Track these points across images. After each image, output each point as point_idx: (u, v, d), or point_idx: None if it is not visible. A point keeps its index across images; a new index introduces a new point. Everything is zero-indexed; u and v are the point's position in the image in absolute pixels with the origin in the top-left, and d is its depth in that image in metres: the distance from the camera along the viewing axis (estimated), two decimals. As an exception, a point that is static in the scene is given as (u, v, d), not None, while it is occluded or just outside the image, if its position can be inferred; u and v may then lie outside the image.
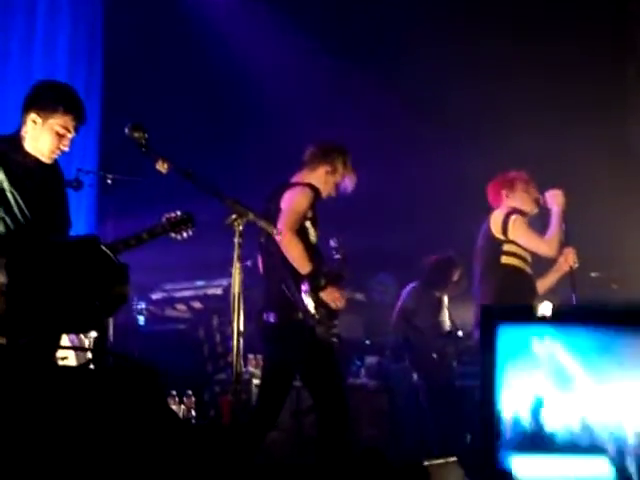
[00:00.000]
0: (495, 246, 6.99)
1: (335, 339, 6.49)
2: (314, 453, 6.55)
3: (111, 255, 4.37)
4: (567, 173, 8.25)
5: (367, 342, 10.08)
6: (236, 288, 5.13)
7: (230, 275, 8.84)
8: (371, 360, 9.67)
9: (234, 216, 5.15)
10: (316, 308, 6.33)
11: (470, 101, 9.87)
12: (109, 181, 8.03)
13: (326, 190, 6.64)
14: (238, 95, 10.56)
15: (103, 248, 4.44)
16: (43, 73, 9.80)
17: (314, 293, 6.33)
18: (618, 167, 9.38)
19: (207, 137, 10.37)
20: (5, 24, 9.67)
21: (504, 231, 6.95)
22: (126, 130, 5.15)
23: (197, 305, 9.40)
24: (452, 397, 8.93)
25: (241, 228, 5.14)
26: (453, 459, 5.47)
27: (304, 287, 6.31)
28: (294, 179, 6.65)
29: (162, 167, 5.14)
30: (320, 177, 6.61)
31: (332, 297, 6.42)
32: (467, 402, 8.93)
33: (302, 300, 6.31)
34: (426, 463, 5.15)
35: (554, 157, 9.12)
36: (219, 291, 9.33)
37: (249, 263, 7.80)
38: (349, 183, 6.70)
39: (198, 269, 9.53)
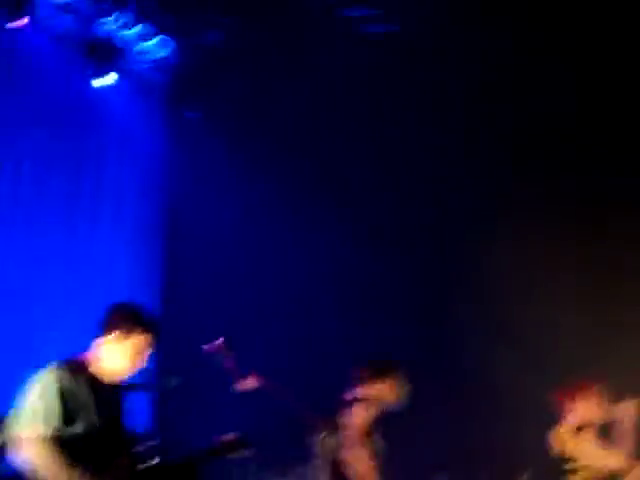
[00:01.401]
0: (561, 464, 6.87)
1: None
2: None
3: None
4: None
5: None
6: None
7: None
8: None
9: (324, 434, 5.22)
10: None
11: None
12: (175, 384, 8.06)
13: (388, 402, 6.87)
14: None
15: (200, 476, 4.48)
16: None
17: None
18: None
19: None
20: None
21: (570, 449, 6.81)
22: (213, 348, 5.26)
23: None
24: None
25: (325, 446, 5.18)
26: None
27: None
28: (353, 395, 6.84)
29: (248, 384, 5.22)
30: (379, 391, 6.85)
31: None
32: None
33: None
34: None
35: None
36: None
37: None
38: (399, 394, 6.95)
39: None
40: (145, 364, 5.45)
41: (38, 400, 5.14)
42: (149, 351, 5.42)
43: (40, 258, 9.82)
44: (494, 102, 10.04)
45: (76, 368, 5.32)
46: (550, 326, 9.51)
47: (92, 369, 5.38)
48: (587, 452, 6.78)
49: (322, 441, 5.22)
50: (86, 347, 5.45)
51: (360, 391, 6.85)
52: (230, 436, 5.65)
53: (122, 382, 5.50)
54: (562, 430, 6.89)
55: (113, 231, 10.51)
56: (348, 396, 6.83)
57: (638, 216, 9.56)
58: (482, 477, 9.58)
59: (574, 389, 7.05)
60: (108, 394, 5.40)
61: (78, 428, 5.15)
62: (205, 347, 5.37)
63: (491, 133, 10.20)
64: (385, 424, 6.81)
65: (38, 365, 5.30)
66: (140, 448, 5.45)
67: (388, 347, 7.74)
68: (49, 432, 5.06)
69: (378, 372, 6.92)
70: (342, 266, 10.56)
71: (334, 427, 6.21)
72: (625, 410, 6.86)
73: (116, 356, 5.36)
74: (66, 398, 5.14)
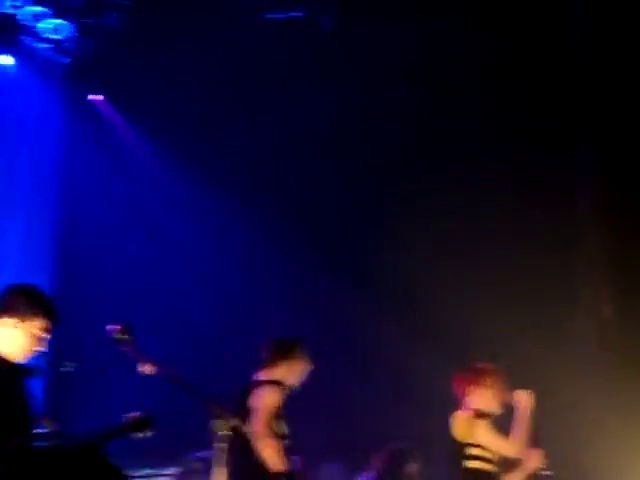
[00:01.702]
0: (459, 449, 6.98)
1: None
2: None
3: (113, 465, 4.34)
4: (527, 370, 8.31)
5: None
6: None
7: (179, 465, 8.89)
8: None
9: (219, 421, 5.18)
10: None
11: (431, 290, 10.06)
12: (70, 369, 7.98)
13: (294, 382, 6.83)
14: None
15: (104, 458, 4.41)
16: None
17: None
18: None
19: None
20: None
21: (468, 435, 6.94)
22: (112, 331, 5.19)
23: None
24: None
25: (224, 433, 5.16)
26: None
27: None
28: (260, 377, 6.78)
29: (147, 369, 5.17)
30: (285, 372, 6.78)
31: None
32: None
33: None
34: None
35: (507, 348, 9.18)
36: (168, 481, 9.16)
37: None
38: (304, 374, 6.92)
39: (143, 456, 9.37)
40: (43, 349, 5.37)
41: None
42: (47, 336, 5.33)
43: None
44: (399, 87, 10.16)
45: None
46: (460, 310, 9.63)
47: None
48: (484, 439, 6.90)
49: (223, 425, 5.18)
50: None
51: (266, 373, 6.79)
52: (134, 415, 5.61)
53: (20, 365, 5.40)
54: (460, 415, 6.99)
55: (6, 216, 10.35)
56: (254, 379, 6.78)
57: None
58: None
59: (473, 374, 7.17)
60: (8, 375, 5.30)
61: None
62: (108, 329, 5.27)
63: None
64: (289, 407, 6.76)
65: None
66: (40, 430, 5.37)
67: (294, 331, 7.65)
68: None
69: (283, 352, 6.84)
70: (249, 249, 10.57)
71: (238, 411, 6.10)
72: (521, 398, 7.00)
73: (12, 339, 5.26)
74: None
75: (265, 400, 6.53)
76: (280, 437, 6.54)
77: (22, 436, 5.22)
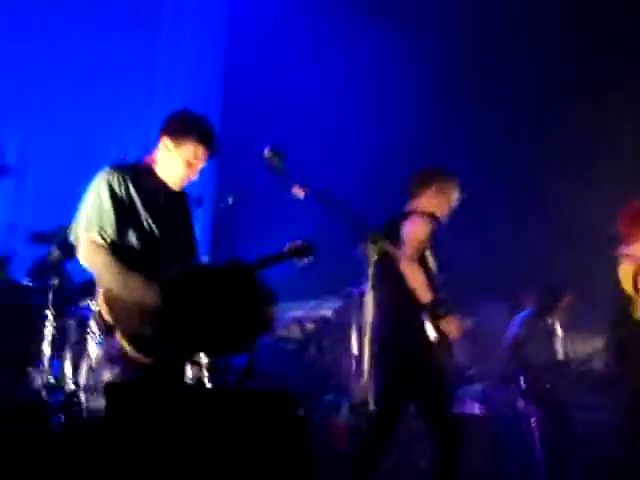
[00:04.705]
0: (626, 300, 6.84)
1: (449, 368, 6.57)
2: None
3: (260, 281, 4.43)
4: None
5: (471, 372, 9.96)
6: (369, 317, 5.14)
7: (341, 297, 9.05)
8: (476, 387, 9.57)
9: (372, 245, 5.20)
10: (435, 336, 6.35)
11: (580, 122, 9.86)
12: (230, 200, 8.13)
13: (441, 212, 6.72)
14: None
15: (253, 274, 4.50)
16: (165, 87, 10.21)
17: (434, 321, 6.34)
18: None
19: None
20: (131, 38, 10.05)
21: (635, 288, 6.80)
22: (265, 153, 5.20)
23: (309, 326, 9.45)
24: (565, 428, 8.82)
25: (376, 257, 5.17)
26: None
27: (424, 315, 6.32)
28: (409, 208, 6.73)
29: (299, 192, 5.19)
30: (431, 201, 6.67)
31: (451, 326, 6.43)
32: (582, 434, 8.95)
33: (422, 328, 6.32)
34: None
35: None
36: (330, 313, 9.39)
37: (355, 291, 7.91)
38: (455, 199, 6.80)
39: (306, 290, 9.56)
40: (193, 177, 5.40)
41: (91, 206, 5.17)
42: (201, 163, 5.36)
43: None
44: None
45: (136, 172, 5.31)
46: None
47: (155, 173, 5.37)
48: None
49: (376, 250, 5.19)
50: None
51: (414, 203, 6.73)
52: (296, 242, 5.66)
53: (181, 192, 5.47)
54: (625, 268, 6.81)
55: (174, 41, 10.49)
56: (405, 209, 6.74)
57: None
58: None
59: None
60: (172, 199, 5.40)
61: (131, 234, 5.19)
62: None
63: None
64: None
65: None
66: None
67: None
68: (103, 238, 5.12)
69: (427, 182, 6.72)
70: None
71: (387, 237, 6.05)
72: None
73: (168, 162, 5.33)
74: (119, 204, 5.16)
75: (413, 230, 6.48)
76: (429, 269, 6.49)
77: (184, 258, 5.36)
